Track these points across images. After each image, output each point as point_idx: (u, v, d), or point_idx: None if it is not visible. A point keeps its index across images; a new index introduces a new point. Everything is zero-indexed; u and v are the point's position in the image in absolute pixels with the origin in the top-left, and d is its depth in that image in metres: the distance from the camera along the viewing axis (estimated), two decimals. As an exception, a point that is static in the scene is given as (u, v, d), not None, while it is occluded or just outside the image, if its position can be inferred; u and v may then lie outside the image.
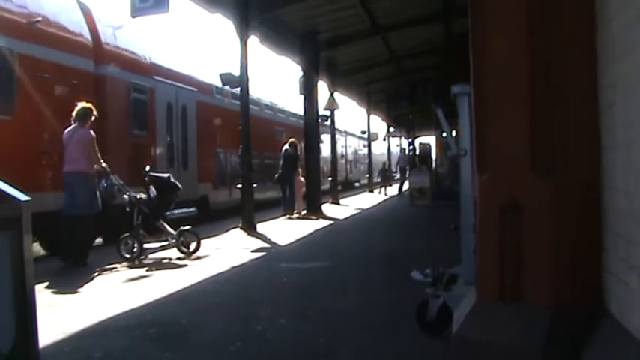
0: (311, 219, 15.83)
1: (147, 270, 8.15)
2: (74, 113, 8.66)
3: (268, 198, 18.84)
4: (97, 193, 8.67)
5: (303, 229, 13.28)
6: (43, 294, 6.30)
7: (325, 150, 24.66)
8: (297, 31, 17.02)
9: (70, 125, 8.66)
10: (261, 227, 13.17)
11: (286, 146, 16.62)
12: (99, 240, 10.72)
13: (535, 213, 3.01)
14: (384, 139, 41.72)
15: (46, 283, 6.94)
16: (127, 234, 8.97)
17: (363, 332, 4.80)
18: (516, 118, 3.10)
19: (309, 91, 18.14)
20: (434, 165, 22.29)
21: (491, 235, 3.16)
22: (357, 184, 39.86)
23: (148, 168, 9.65)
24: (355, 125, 38.25)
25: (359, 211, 19.51)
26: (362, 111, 32.74)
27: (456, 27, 17.05)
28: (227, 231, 12.54)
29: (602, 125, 2.87)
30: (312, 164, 18.11)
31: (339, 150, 36.17)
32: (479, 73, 3.34)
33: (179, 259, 9.02)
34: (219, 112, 16.56)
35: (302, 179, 17.09)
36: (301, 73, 18.47)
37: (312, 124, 18.32)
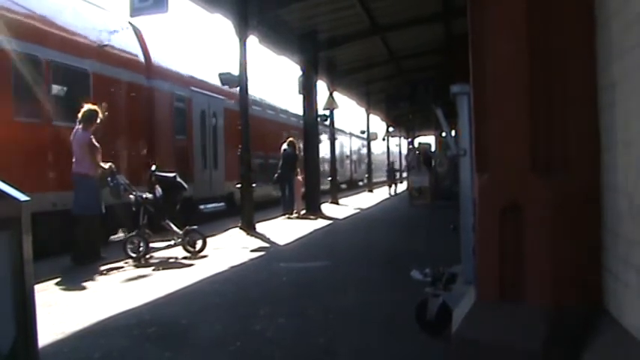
0: (310, 219, 15.82)
1: (150, 269, 8.17)
2: (80, 115, 8.71)
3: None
4: (98, 194, 8.71)
5: (302, 229, 13.27)
6: (42, 294, 6.30)
7: (327, 149, 25.18)
8: (297, 30, 17.01)
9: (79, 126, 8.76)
10: (260, 227, 13.17)
11: (285, 146, 16.59)
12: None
13: (535, 212, 3.00)
14: (384, 139, 41.75)
15: (46, 283, 6.94)
16: (134, 233, 9.00)
17: (363, 332, 4.80)
18: (516, 118, 3.09)
19: (308, 90, 18.13)
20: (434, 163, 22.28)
21: (491, 234, 3.16)
22: (360, 183, 40.29)
23: (153, 167, 9.67)
24: (359, 127, 38.27)
25: (358, 210, 19.51)
26: (361, 111, 32.73)
27: (456, 27, 17.06)
28: (226, 231, 12.54)
29: (602, 125, 2.87)
30: (312, 164, 18.10)
31: (345, 150, 37.33)
32: (478, 73, 3.34)
33: (185, 258, 9.03)
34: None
35: (300, 179, 17.08)
36: (300, 73, 18.48)
37: (311, 124, 18.32)
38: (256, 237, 11.90)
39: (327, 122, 23.16)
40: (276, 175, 16.51)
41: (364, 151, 41.46)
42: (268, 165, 18.86)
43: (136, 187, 9.25)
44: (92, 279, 7.47)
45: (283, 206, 16.65)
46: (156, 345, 4.60)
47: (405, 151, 44.64)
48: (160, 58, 13.93)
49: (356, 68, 23.23)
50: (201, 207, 13.01)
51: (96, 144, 8.77)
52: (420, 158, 23.47)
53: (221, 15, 13.61)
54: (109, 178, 8.92)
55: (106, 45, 11.66)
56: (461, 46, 4.50)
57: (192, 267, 8.30)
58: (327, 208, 19.10)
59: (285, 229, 13.32)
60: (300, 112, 19.05)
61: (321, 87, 20.46)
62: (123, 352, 4.41)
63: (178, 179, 9.57)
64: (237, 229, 12.81)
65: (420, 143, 30.45)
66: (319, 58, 18.44)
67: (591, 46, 2.95)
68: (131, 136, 12.63)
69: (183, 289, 6.78)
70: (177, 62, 14.75)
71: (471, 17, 3.46)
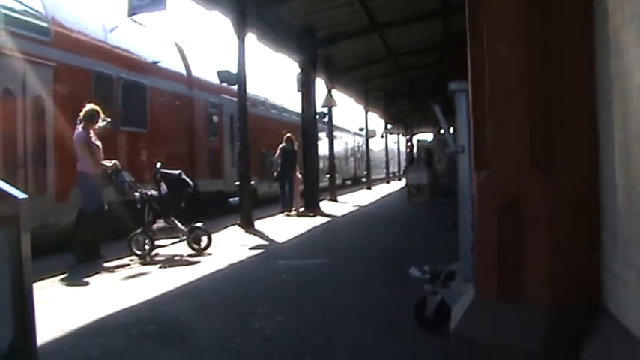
0: (309, 216, 15.82)
1: (155, 267, 8.18)
2: (81, 114, 8.76)
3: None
4: (100, 192, 8.73)
5: (301, 227, 13.27)
6: (41, 291, 6.29)
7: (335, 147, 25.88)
8: (295, 28, 16.99)
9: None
10: (259, 224, 13.16)
11: (283, 143, 16.59)
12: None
13: (533, 210, 3.01)
14: (382, 136, 41.77)
15: (46, 281, 6.93)
16: (139, 231, 9.02)
17: (362, 329, 4.80)
18: (515, 116, 3.10)
19: (306, 88, 18.10)
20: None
21: (490, 232, 3.16)
22: (364, 180, 40.68)
23: (158, 165, 9.69)
24: (359, 125, 38.31)
25: (357, 208, 19.51)
26: (360, 108, 32.72)
27: (454, 24, 17.03)
28: (225, 228, 12.53)
29: (601, 123, 2.87)
30: (310, 162, 18.09)
31: (349, 148, 38.43)
32: (477, 70, 3.34)
33: (190, 255, 9.03)
34: (261, 120, 19.99)
35: (299, 176, 17.07)
36: (299, 70, 18.46)
37: (309, 122, 18.30)
38: (255, 234, 11.90)
39: (333, 121, 23.42)
40: (275, 173, 16.53)
41: (373, 149, 42.51)
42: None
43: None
44: (91, 277, 7.46)
45: (282, 204, 16.66)
46: (155, 343, 4.60)
47: (403, 148, 45.19)
48: (198, 70, 16.12)
49: (354, 65, 23.20)
50: (230, 200, 15.42)
51: (96, 143, 8.79)
52: (421, 156, 23.52)
53: (219, 12, 13.58)
54: (113, 176, 8.95)
55: (158, 62, 13.96)
56: (459, 44, 4.50)
57: (191, 265, 8.30)
58: (325, 205, 19.09)
59: (283, 227, 13.32)
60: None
61: (320, 84, 20.47)
62: (122, 350, 4.41)
63: (183, 176, 9.57)
64: (236, 226, 12.81)
65: (418, 141, 30.48)
66: (318, 56, 18.41)
67: (590, 44, 2.95)
68: (177, 138, 14.76)
69: (183, 286, 6.78)
70: (210, 72, 16.00)
71: (470, 14, 3.46)
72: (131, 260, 8.63)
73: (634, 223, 2.36)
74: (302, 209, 16.83)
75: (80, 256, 8.54)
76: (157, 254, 9.06)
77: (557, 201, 2.97)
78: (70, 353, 4.38)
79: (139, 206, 9.15)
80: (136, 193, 9.11)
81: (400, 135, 48.24)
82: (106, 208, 8.86)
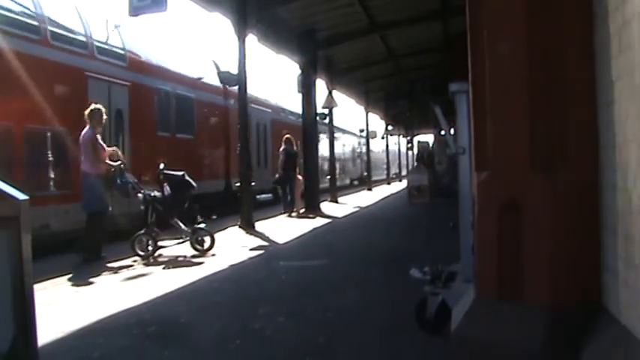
0: (309, 217, 15.82)
1: (159, 268, 8.19)
2: (86, 114, 8.82)
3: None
4: (103, 192, 8.73)
5: (301, 228, 13.27)
6: (42, 292, 6.29)
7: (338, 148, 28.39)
8: (295, 29, 16.99)
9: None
10: (259, 225, 13.16)
11: (283, 145, 16.63)
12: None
13: (534, 211, 3.00)
14: (383, 137, 41.80)
15: (47, 282, 6.93)
16: (142, 231, 9.02)
17: (362, 330, 4.80)
18: (515, 117, 3.09)
19: (307, 89, 18.12)
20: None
21: (490, 233, 3.16)
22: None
23: (162, 166, 9.70)
24: (359, 126, 38.57)
25: (357, 209, 19.51)
26: (360, 109, 32.75)
27: (455, 25, 17.03)
28: (225, 229, 12.53)
29: (601, 123, 2.87)
30: (311, 163, 18.10)
31: (357, 150, 41.54)
32: (477, 71, 3.34)
33: (194, 256, 9.03)
34: (283, 125, 22.62)
35: (300, 177, 17.09)
36: (299, 72, 18.46)
37: (310, 123, 18.31)
38: (255, 235, 11.90)
39: (342, 125, 24.05)
40: (277, 175, 16.61)
41: (372, 151, 43.46)
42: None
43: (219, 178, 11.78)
44: (93, 277, 7.46)
45: (284, 205, 16.67)
46: (156, 344, 4.60)
47: (404, 150, 45.90)
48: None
49: (355, 66, 23.22)
50: (257, 196, 17.33)
51: (101, 143, 8.82)
52: (424, 156, 23.53)
53: (220, 13, 13.59)
54: (117, 177, 8.97)
55: (201, 78, 16.74)
56: (459, 44, 4.50)
57: (191, 266, 8.30)
58: (326, 206, 19.09)
59: (284, 228, 13.32)
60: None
61: (321, 85, 20.49)
62: (123, 351, 4.41)
63: (187, 177, 9.58)
64: (237, 227, 12.81)
65: (419, 142, 30.49)
66: (318, 57, 18.41)
67: (590, 44, 2.95)
68: (216, 143, 17.58)
69: (183, 287, 6.78)
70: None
71: (470, 15, 3.46)
72: (134, 261, 8.64)
73: (634, 223, 2.36)
74: (302, 210, 16.84)
75: (84, 256, 8.54)
76: (160, 255, 9.07)
77: (557, 201, 2.97)
78: (71, 354, 4.38)
79: (142, 207, 9.15)
80: (140, 194, 9.10)
81: (401, 136, 48.25)
82: (110, 208, 8.88)
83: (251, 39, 14.14)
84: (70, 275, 7.53)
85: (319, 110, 20.61)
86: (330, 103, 21.57)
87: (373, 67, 24.19)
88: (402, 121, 39.64)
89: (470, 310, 3.24)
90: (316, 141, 19.21)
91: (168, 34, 16.56)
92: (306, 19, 16.62)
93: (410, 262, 5.94)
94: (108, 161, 8.93)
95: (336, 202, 21.79)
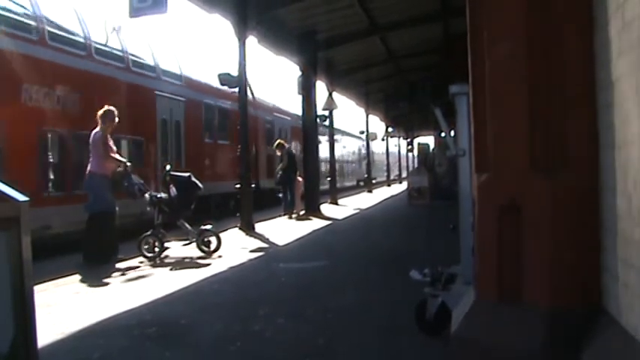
0: (309, 219, 15.82)
1: (155, 269, 8.19)
2: (98, 115, 8.85)
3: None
4: (109, 192, 8.75)
5: (301, 229, 13.28)
6: (42, 294, 6.29)
7: (340, 150, 30.92)
8: (295, 30, 17.00)
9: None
10: (259, 227, 13.16)
11: (286, 146, 16.74)
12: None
13: (534, 212, 3.01)
14: (383, 139, 41.82)
15: (47, 283, 6.93)
16: (148, 233, 9.03)
17: (362, 332, 4.80)
18: (515, 118, 3.10)
19: (307, 90, 18.13)
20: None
21: (490, 234, 3.16)
22: (374, 181, 42.95)
23: (168, 167, 9.70)
24: (359, 128, 39.00)
25: (357, 211, 19.51)
26: (360, 111, 32.80)
27: (455, 27, 17.03)
28: (225, 231, 12.53)
29: (601, 125, 2.87)
30: (311, 165, 18.11)
31: (363, 153, 43.32)
32: (477, 72, 3.34)
33: (200, 258, 9.03)
34: (300, 130, 23.50)
35: (300, 179, 17.12)
36: (299, 73, 18.47)
37: (310, 125, 18.33)
38: (255, 237, 11.90)
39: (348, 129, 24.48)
40: (278, 176, 16.65)
41: (377, 154, 46.32)
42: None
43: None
44: (94, 278, 7.46)
45: (284, 206, 16.69)
46: (156, 345, 4.60)
47: (404, 152, 46.43)
48: (259, 96, 21.95)
49: (355, 68, 23.23)
50: (279, 194, 18.57)
51: (111, 144, 8.83)
52: (427, 158, 23.53)
53: (220, 15, 13.60)
54: (124, 179, 9.00)
55: (234, 91, 17.71)
56: (459, 46, 4.50)
57: (191, 267, 8.30)
58: (326, 208, 19.10)
59: (284, 230, 13.32)
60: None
61: (320, 87, 20.52)
62: (123, 353, 4.41)
63: (193, 179, 9.60)
64: (237, 229, 12.81)
65: (419, 144, 30.49)
66: (318, 58, 18.43)
67: (590, 45, 2.95)
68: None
69: (183, 289, 6.78)
70: (266, 97, 23.06)
71: (470, 16, 3.46)
72: (141, 262, 8.66)
73: (634, 225, 2.36)
74: (302, 212, 16.85)
75: (90, 258, 8.53)
76: (166, 256, 9.07)
77: (557, 203, 2.97)
78: (71, 355, 4.38)
79: (148, 209, 9.16)
80: (146, 195, 9.12)
81: (401, 138, 48.30)
82: (117, 209, 8.88)
83: (251, 40, 14.18)
84: (70, 276, 7.53)
85: (320, 112, 20.67)
86: (330, 105, 21.59)
87: (373, 69, 24.20)
88: (402, 122, 39.69)
89: (470, 312, 3.24)
90: (317, 143, 19.27)
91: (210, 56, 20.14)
92: (307, 21, 16.63)
93: (410, 263, 5.94)
94: (118, 157, 8.99)
95: (336, 203, 21.79)
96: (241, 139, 13.53)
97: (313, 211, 17.15)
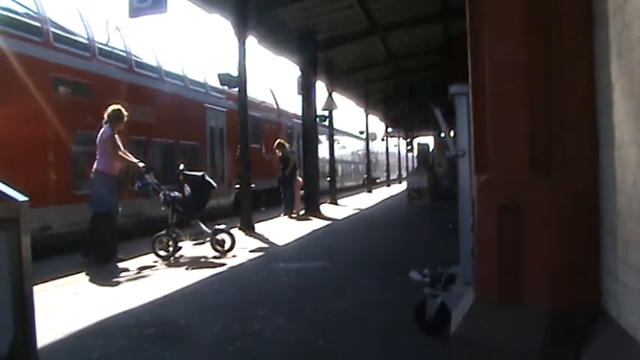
0: (309, 219, 15.83)
1: (155, 269, 8.19)
2: (105, 115, 8.84)
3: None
4: (114, 192, 8.75)
5: (301, 229, 13.28)
6: (41, 294, 6.28)
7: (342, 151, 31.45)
8: (295, 31, 17.00)
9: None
10: (259, 227, 13.16)
11: (287, 146, 16.76)
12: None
13: (534, 213, 3.01)
14: (382, 139, 41.84)
15: (47, 283, 6.93)
16: (162, 232, 9.03)
17: (362, 332, 4.80)
18: (515, 119, 3.10)
19: (307, 91, 18.14)
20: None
21: (490, 235, 3.16)
22: (377, 181, 44.78)
23: (182, 166, 9.70)
24: (358, 128, 39.11)
25: (357, 211, 19.51)
26: (360, 111, 32.80)
27: (455, 27, 17.03)
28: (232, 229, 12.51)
29: (601, 125, 2.87)
30: (311, 165, 18.12)
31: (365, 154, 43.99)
32: (477, 73, 3.34)
33: (215, 257, 9.03)
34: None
35: (300, 179, 17.12)
36: (299, 73, 18.47)
37: (310, 125, 18.33)
38: (255, 237, 11.90)
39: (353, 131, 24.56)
40: (280, 176, 16.71)
41: (380, 154, 47.24)
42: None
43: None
44: (93, 278, 7.47)
45: (285, 206, 16.70)
46: (155, 345, 4.59)
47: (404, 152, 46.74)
48: (282, 104, 25.11)
49: (355, 68, 23.23)
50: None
51: (118, 143, 8.82)
52: (427, 158, 23.54)
53: (220, 15, 13.59)
54: (137, 179, 9.01)
55: (264, 102, 22.68)
56: (459, 46, 4.50)
57: (191, 267, 8.30)
58: (326, 208, 19.11)
59: (283, 230, 13.32)
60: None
61: (320, 87, 20.53)
62: (122, 353, 4.41)
63: (207, 178, 9.59)
64: (236, 229, 12.80)
65: (419, 144, 30.48)
66: (318, 59, 18.43)
67: (590, 46, 2.95)
68: (273, 150, 18.95)
69: (182, 289, 6.78)
70: (287, 104, 25.22)
71: (470, 16, 3.46)
72: (155, 262, 8.66)
73: (634, 226, 2.36)
74: (302, 212, 16.85)
75: (91, 257, 8.53)
76: (181, 256, 9.08)
77: (557, 203, 2.97)
78: (70, 356, 4.38)
79: (163, 208, 9.16)
80: (160, 195, 9.12)
81: (400, 138, 48.33)
82: (120, 209, 8.88)
83: (251, 41, 14.17)
84: (70, 276, 7.52)
85: (319, 112, 20.74)
86: (330, 105, 21.60)
87: (373, 69, 24.21)
88: (402, 123, 39.69)
89: (469, 312, 3.24)
90: (316, 143, 19.29)
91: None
92: (307, 21, 16.63)
93: (409, 264, 5.95)
94: (129, 155, 8.99)
95: (336, 203, 21.80)
96: (241, 140, 13.51)
97: (313, 211, 17.15)
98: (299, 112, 23.88)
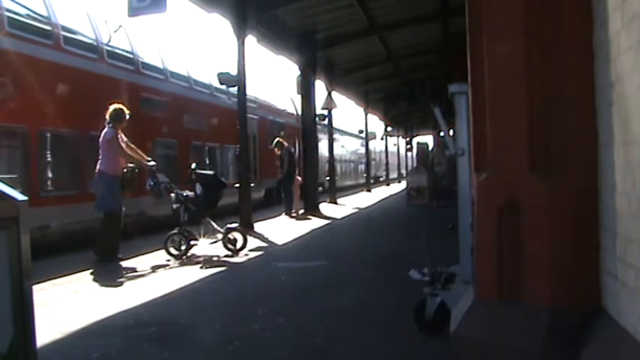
0: (308, 218, 15.82)
1: (155, 269, 8.18)
2: (107, 115, 8.85)
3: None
4: (117, 192, 8.76)
5: (300, 229, 13.27)
6: (41, 293, 6.28)
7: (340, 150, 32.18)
8: (295, 30, 17.00)
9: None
10: (258, 226, 13.16)
11: (286, 145, 16.74)
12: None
13: (533, 212, 3.01)
14: (382, 139, 41.84)
15: (46, 283, 6.92)
16: (175, 231, 9.03)
17: (361, 331, 4.80)
18: (514, 118, 3.10)
19: (306, 90, 18.13)
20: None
21: (489, 234, 3.16)
22: (381, 179, 46.48)
23: (193, 165, 9.70)
24: (357, 127, 39.20)
25: (356, 210, 19.51)
26: (360, 110, 32.78)
27: (454, 26, 17.03)
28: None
29: (600, 125, 2.87)
30: (310, 164, 18.11)
31: (376, 152, 45.93)
32: (476, 72, 3.34)
33: (227, 256, 9.03)
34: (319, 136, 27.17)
35: (299, 178, 17.12)
36: (299, 73, 18.46)
37: (309, 124, 18.32)
38: (254, 236, 11.87)
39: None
40: (280, 176, 16.69)
41: (382, 154, 47.34)
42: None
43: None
44: (93, 278, 7.46)
45: (285, 205, 16.70)
46: (155, 345, 4.59)
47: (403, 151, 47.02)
48: (300, 110, 24.59)
49: (354, 68, 23.23)
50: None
51: (121, 143, 8.82)
52: (427, 157, 23.53)
53: (219, 14, 13.58)
54: (150, 178, 9.02)
55: (285, 109, 25.48)
56: (459, 46, 4.50)
57: (190, 267, 8.29)
58: (325, 207, 19.11)
59: (283, 229, 13.32)
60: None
61: (320, 87, 20.53)
62: (122, 352, 4.40)
63: (218, 177, 9.58)
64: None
65: (418, 143, 30.49)
66: (317, 58, 18.42)
67: (589, 45, 2.95)
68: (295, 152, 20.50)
69: (182, 288, 6.78)
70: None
71: (470, 16, 3.46)
72: (168, 261, 8.67)
73: (633, 225, 2.36)
74: (302, 211, 16.85)
75: (100, 256, 8.56)
76: (193, 255, 9.08)
77: (556, 202, 2.97)
78: (70, 355, 4.38)
79: (174, 207, 9.16)
80: (172, 194, 9.12)
81: (400, 137, 48.34)
82: (123, 209, 8.88)
83: (250, 40, 14.16)
84: (69, 276, 7.52)
85: (319, 111, 20.74)
86: (329, 105, 21.59)
87: (373, 69, 24.19)
88: (401, 122, 39.69)
89: (469, 311, 3.24)
90: (316, 142, 19.30)
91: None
92: (306, 20, 16.63)
93: (409, 262, 5.94)
94: (143, 157, 9.04)
95: (335, 203, 21.80)
96: (240, 140, 13.50)
97: (312, 210, 17.15)
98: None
